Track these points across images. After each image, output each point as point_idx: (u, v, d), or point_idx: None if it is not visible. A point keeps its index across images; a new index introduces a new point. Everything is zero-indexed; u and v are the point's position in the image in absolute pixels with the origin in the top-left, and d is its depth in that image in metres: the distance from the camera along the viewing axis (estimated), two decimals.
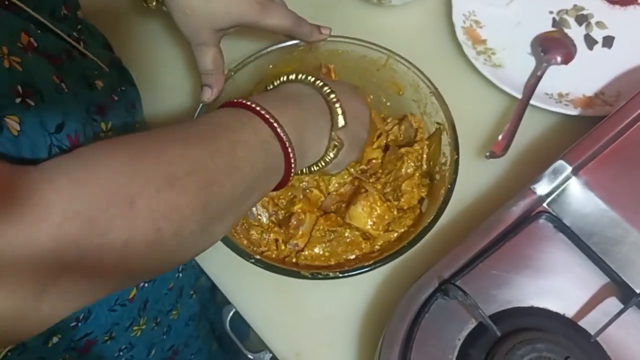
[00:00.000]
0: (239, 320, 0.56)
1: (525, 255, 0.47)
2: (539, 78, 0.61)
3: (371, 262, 0.48)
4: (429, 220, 0.49)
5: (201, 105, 0.54)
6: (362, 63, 0.57)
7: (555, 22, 0.66)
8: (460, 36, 0.64)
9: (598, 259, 0.46)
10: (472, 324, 0.45)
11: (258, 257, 0.48)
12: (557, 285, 0.46)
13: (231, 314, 0.59)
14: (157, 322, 0.57)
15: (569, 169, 0.48)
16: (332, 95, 0.46)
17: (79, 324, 0.47)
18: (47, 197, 0.29)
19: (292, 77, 0.47)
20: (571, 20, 0.66)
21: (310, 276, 0.47)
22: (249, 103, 0.41)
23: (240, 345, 0.61)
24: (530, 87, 0.60)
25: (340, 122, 0.46)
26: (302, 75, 0.47)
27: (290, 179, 0.43)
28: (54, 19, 0.45)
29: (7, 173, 0.29)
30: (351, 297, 0.53)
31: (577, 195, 0.49)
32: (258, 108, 0.41)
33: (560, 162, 0.49)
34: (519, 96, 0.59)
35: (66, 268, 0.29)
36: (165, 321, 0.58)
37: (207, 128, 0.39)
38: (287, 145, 0.41)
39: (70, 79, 0.41)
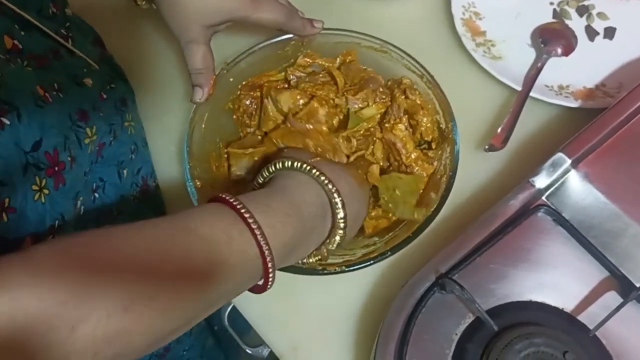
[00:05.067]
0: (237, 315, 0.56)
1: (523, 249, 0.47)
2: (539, 70, 0.60)
3: (375, 254, 0.47)
4: (430, 211, 0.48)
5: (194, 106, 0.53)
6: (359, 56, 0.57)
7: (555, 13, 0.66)
8: (460, 28, 0.63)
9: (597, 252, 0.46)
10: (470, 319, 0.45)
11: None
12: (555, 279, 0.46)
13: (229, 309, 0.59)
14: None
15: (568, 161, 0.48)
16: (330, 186, 0.44)
17: None
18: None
19: (288, 164, 0.45)
20: (572, 11, 0.65)
21: (319, 271, 0.47)
22: (242, 211, 0.38)
23: (238, 340, 0.61)
24: (530, 79, 0.59)
25: (340, 214, 0.44)
26: (298, 163, 0.45)
27: (268, 286, 0.40)
28: (41, 17, 0.44)
29: None
30: (348, 291, 0.53)
31: (577, 188, 0.48)
32: (251, 221, 0.38)
33: (560, 154, 0.48)
34: (519, 88, 0.58)
35: None
36: None
37: (188, 240, 0.35)
38: (270, 267, 0.38)
39: (57, 81, 0.41)
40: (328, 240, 0.46)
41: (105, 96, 0.48)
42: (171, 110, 0.63)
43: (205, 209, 0.39)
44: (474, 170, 0.56)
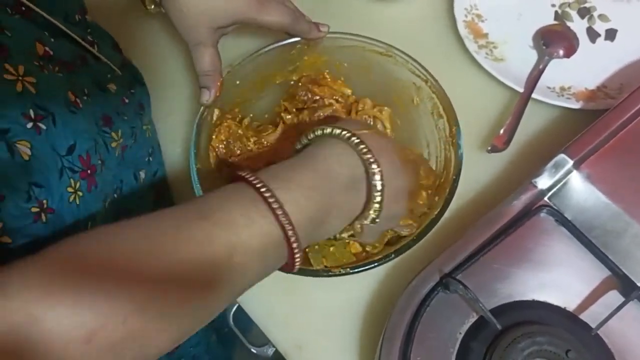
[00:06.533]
0: (242, 315, 0.56)
1: (526, 249, 0.47)
2: (541, 71, 0.60)
3: (380, 256, 0.47)
4: (435, 213, 0.48)
5: (202, 108, 0.53)
6: (362, 59, 0.57)
7: (557, 15, 0.66)
8: (462, 30, 0.63)
9: (599, 252, 0.46)
10: (473, 318, 0.45)
11: None
12: (558, 278, 0.46)
13: (234, 308, 0.59)
14: None
15: (570, 162, 0.48)
16: (369, 155, 0.41)
17: None
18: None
19: (328, 131, 0.43)
20: (573, 13, 0.66)
21: (323, 273, 0.47)
22: (263, 190, 0.36)
23: (243, 339, 0.61)
24: (532, 80, 0.59)
25: (378, 186, 0.41)
26: (338, 130, 0.42)
27: (295, 267, 0.39)
28: (68, 24, 0.45)
29: None
30: (353, 291, 0.53)
31: (579, 188, 0.49)
32: (271, 200, 0.36)
33: (562, 155, 0.49)
34: (521, 90, 0.59)
35: None
36: None
37: (205, 225, 0.34)
38: (295, 247, 0.37)
39: (85, 86, 0.42)
40: (362, 214, 0.43)
41: (127, 101, 0.49)
42: (178, 112, 0.63)
43: (224, 191, 0.37)
44: (477, 171, 0.56)
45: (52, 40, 0.41)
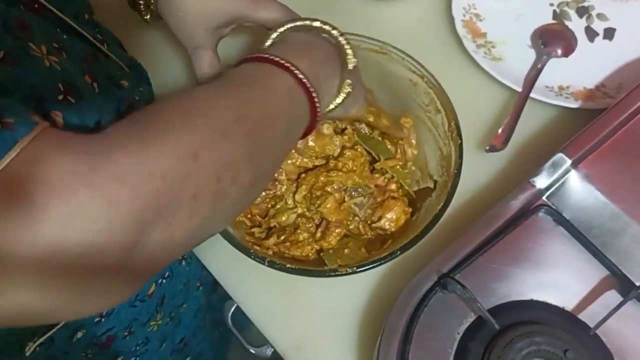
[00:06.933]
0: (240, 315, 0.56)
1: (524, 249, 0.47)
2: (539, 71, 0.60)
3: (384, 254, 0.47)
4: (438, 208, 0.48)
5: None
6: (359, 58, 0.57)
7: (555, 15, 0.66)
8: (460, 30, 0.63)
9: (597, 252, 0.46)
10: (472, 318, 0.45)
11: (269, 258, 0.48)
12: (556, 278, 0.46)
13: (232, 309, 0.59)
14: (171, 317, 0.58)
15: (569, 162, 0.48)
16: (341, 38, 0.47)
17: (102, 319, 0.48)
18: (121, 161, 0.29)
19: (299, 23, 0.48)
20: (572, 13, 0.66)
21: (329, 273, 0.47)
22: (266, 56, 0.41)
23: (242, 339, 0.61)
24: (531, 80, 0.59)
25: (352, 62, 0.47)
26: (308, 21, 0.48)
27: (316, 123, 0.44)
28: (79, 23, 0.46)
29: (86, 140, 0.29)
30: (351, 291, 0.53)
31: (577, 188, 0.49)
32: (277, 59, 0.41)
33: (560, 155, 0.49)
34: (519, 89, 0.59)
35: (146, 227, 0.29)
36: (177, 315, 0.59)
37: (238, 82, 0.40)
38: (311, 91, 0.42)
39: (100, 78, 0.42)
40: (339, 90, 0.47)
41: (137, 98, 0.49)
42: None
43: (235, 70, 0.42)
44: (475, 170, 0.56)
45: (65, 37, 0.41)
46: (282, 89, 0.40)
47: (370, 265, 0.47)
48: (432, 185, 0.55)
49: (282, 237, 0.53)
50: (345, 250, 0.53)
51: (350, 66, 0.47)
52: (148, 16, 0.55)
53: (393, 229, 0.54)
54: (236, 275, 0.56)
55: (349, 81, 0.46)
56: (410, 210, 0.55)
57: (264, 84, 0.40)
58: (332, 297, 0.53)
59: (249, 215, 0.55)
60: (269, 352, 0.60)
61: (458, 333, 0.45)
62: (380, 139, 0.58)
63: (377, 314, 0.52)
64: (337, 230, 0.53)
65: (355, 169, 0.56)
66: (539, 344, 0.42)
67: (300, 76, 0.41)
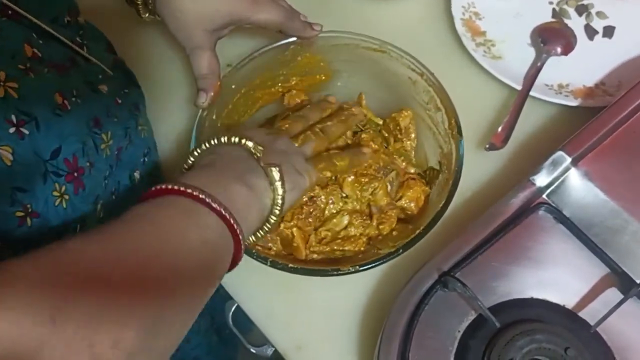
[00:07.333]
0: (241, 315, 0.56)
1: (524, 247, 0.47)
2: (539, 69, 0.60)
3: (386, 253, 0.47)
4: (440, 206, 0.48)
5: (200, 111, 0.53)
6: (356, 57, 0.57)
7: (555, 13, 0.66)
8: (460, 28, 0.63)
9: (598, 249, 0.46)
10: (472, 316, 0.45)
11: (272, 258, 0.48)
12: (556, 276, 0.46)
13: (233, 308, 0.59)
14: None
15: (569, 160, 0.48)
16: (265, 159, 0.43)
17: None
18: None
19: (224, 139, 0.44)
20: (571, 11, 0.66)
21: (332, 272, 0.47)
22: (189, 191, 0.37)
23: (242, 339, 0.61)
24: (530, 78, 0.59)
25: (279, 190, 0.43)
26: (235, 137, 0.44)
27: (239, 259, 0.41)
28: (57, 26, 0.45)
29: None
30: (351, 290, 0.53)
31: (577, 186, 0.49)
32: (203, 196, 0.37)
33: (560, 153, 0.49)
34: (519, 87, 0.59)
35: None
36: None
37: (151, 240, 0.35)
38: (238, 233, 0.39)
39: (75, 88, 0.41)
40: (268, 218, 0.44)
41: (120, 101, 0.49)
42: (174, 114, 0.63)
43: (151, 208, 0.38)
44: (475, 169, 0.56)
45: (41, 42, 0.41)
46: (201, 237, 0.36)
47: (372, 264, 0.47)
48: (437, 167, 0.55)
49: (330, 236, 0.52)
50: (394, 232, 0.52)
51: (280, 193, 0.43)
52: (146, 15, 0.55)
53: (414, 210, 0.54)
54: (237, 274, 0.55)
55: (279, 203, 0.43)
56: (429, 190, 0.55)
57: (185, 233, 0.36)
58: (333, 296, 0.53)
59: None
60: (269, 351, 0.60)
61: (459, 331, 0.45)
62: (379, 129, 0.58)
63: (378, 313, 0.52)
64: (393, 212, 0.53)
65: (379, 148, 0.55)
66: (539, 342, 0.42)
67: (231, 220, 0.38)
